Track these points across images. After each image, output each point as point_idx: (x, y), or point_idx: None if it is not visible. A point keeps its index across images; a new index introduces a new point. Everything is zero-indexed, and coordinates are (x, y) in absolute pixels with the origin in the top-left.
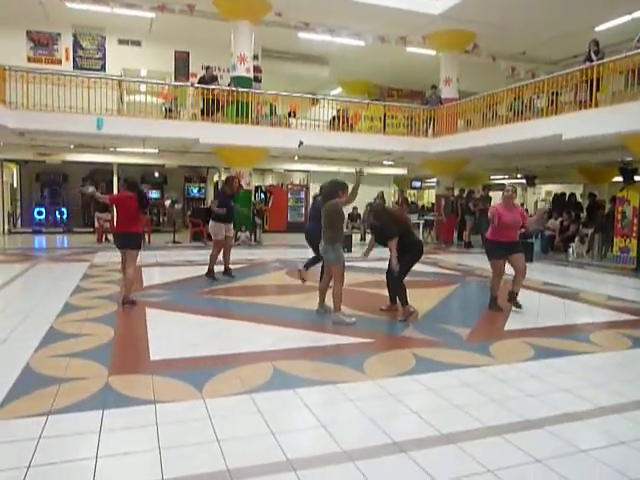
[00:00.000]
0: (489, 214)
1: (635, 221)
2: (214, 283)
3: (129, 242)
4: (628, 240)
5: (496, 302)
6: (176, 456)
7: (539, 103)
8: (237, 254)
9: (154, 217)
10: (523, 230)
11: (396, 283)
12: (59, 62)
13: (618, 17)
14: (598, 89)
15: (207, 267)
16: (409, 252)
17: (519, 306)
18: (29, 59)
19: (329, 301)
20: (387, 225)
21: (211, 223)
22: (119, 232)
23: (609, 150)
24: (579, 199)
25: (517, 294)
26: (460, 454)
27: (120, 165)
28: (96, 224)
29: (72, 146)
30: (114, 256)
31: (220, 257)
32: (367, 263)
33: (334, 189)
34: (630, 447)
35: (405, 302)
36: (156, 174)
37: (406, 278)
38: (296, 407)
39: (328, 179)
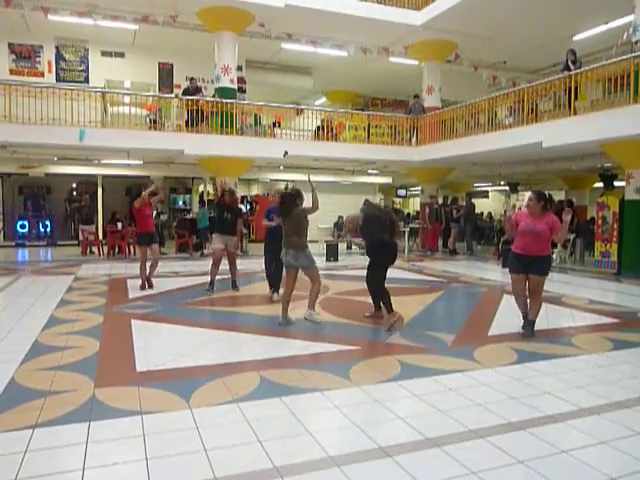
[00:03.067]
0: (507, 220)
1: (615, 226)
2: (206, 294)
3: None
4: (609, 245)
5: (525, 322)
6: (163, 466)
7: (507, 121)
8: (223, 264)
9: None
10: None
11: (378, 289)
12: (42, 74)
13: (595, 27)
14: (576, 97)
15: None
16: (386, 254)
17: (527, 334)
18: (11, 71)
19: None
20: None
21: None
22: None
23: (589, 157)
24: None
25: (531, 322)
26: (444, 457)
27: (104, 177)
28: (80, 236)
29: (55, 158)
30: (99, 268)
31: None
32: (351, 272)
33: (294, 199)
34: (610, 447)
35: (390, 309)
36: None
37: (391, 285)
38: (282, 415)
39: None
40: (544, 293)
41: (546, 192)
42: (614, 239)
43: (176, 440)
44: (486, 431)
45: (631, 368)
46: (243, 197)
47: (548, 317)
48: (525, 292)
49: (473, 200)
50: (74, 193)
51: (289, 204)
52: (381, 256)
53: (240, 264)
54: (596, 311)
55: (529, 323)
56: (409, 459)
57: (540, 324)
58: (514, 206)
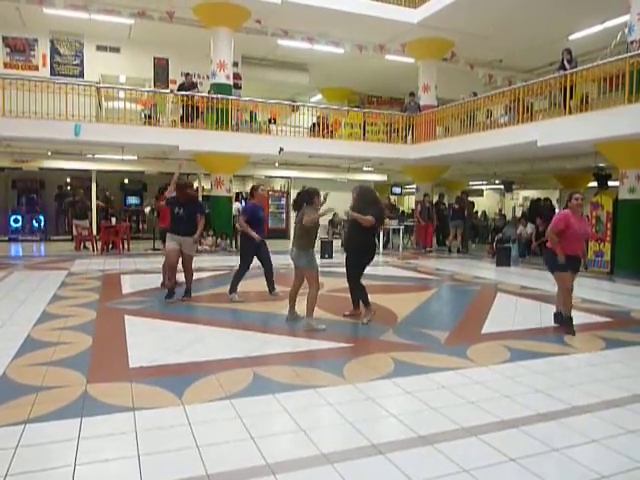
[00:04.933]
0: (557, 223)
1: (609, 225)
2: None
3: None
4: (602, 244)
5: (571, 323)
6: (155, 462)
7: (502, 119)
8: (217, 261)
9: (133, 224)
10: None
11: (354, 285)
12: (36, 68)
13: (591, 26)
14: (571, 97)
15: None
16: (368, 252)
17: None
18: (5, 65)
19: (299, 309)
20: (373, 204)
21: None
22: None
23: (584, 156)
24: (555, 204)
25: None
26: (437, 455)
27: (99, 172)
28: (74, 232)
29: (49, 153)
30: (92, 264)
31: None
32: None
33: (311, 196)
34: (602, 445)
35: (367, 302)
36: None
37: (386, 283)
38: (276, 412)
39: (307, 185)
40: (536, 291)
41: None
42: (608, 238)
43: (168, 436)
44: (478, 429)
45: (623, 367)
46: (238, 194)
47: (542, 316)
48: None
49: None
50: (64, 188)
51: (301, 199)
52: (364, 257)
53: (234, 261)
54: (589, 310)
55: (569, 320)
56: (402, 456)
57: (533, 322)
58: (500, 211)
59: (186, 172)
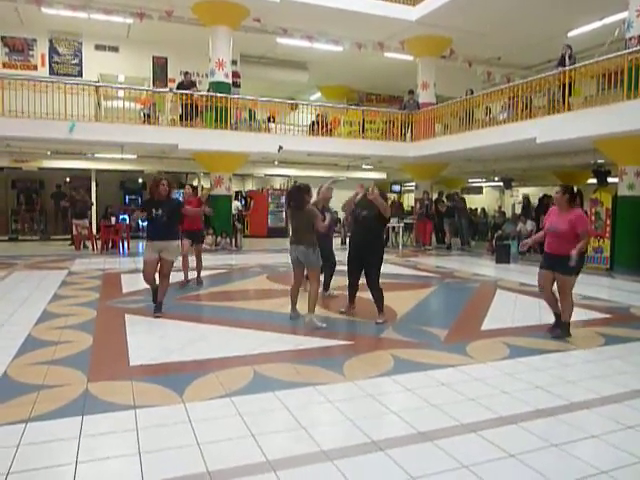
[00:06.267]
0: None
1: (608, 222)
2: (192, 289)
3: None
4: (602, 241)
5: (556, 322)
6: (156, 460)
7: (501, 116)
8: (218, 259)
9: (133, 223)
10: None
11: (376, 286)
12: (35, 68)
13: (590, 23)
14: (570, 94)
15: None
16: (382, 251)
17: (561, 335)
18: (4, 65)
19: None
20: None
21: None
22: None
23: (583, 153)
24: None
25: (566, 324)
26: (436, 451)
27: (98, 171)
28: (74, 231)
29: (49, 152)
30: (92, 263)
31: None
32: (344, 267)
33: (302, 194)
34: (600, 440)
35: (382, 308)
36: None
37: (386, 280)
38: (276, 409)
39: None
40: (535, 288)
41: (574, 186)
42: (607, 235)
43: (169, 434)
44: (478, 425)
45: (622, 363)
46: (237, 192)
47: (541, 312)
48: (550, 290)
49: (465, 196)
50: (62, 187)
51: (300, 198)
52: (382, 253)
53: (234, 259)
54: (588, 306)
55: (561, 325)
56: (402, 453)
57: (532, 319)
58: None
59: (186, 171)
